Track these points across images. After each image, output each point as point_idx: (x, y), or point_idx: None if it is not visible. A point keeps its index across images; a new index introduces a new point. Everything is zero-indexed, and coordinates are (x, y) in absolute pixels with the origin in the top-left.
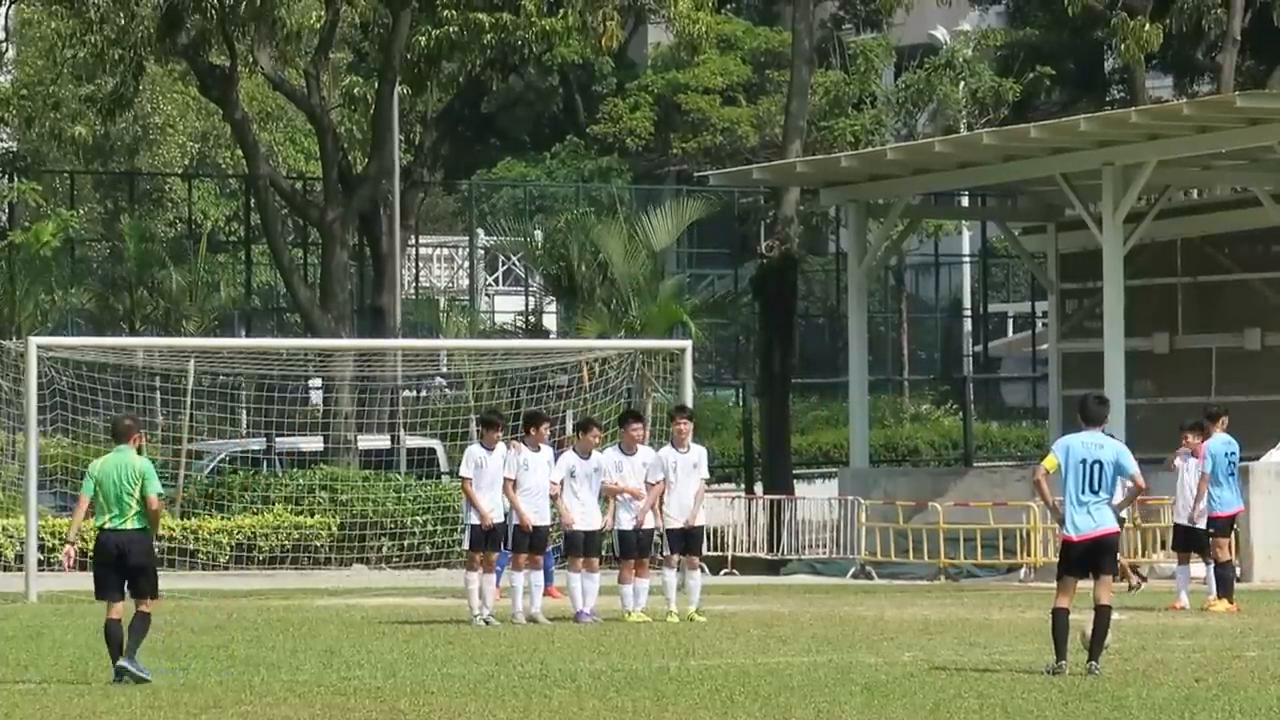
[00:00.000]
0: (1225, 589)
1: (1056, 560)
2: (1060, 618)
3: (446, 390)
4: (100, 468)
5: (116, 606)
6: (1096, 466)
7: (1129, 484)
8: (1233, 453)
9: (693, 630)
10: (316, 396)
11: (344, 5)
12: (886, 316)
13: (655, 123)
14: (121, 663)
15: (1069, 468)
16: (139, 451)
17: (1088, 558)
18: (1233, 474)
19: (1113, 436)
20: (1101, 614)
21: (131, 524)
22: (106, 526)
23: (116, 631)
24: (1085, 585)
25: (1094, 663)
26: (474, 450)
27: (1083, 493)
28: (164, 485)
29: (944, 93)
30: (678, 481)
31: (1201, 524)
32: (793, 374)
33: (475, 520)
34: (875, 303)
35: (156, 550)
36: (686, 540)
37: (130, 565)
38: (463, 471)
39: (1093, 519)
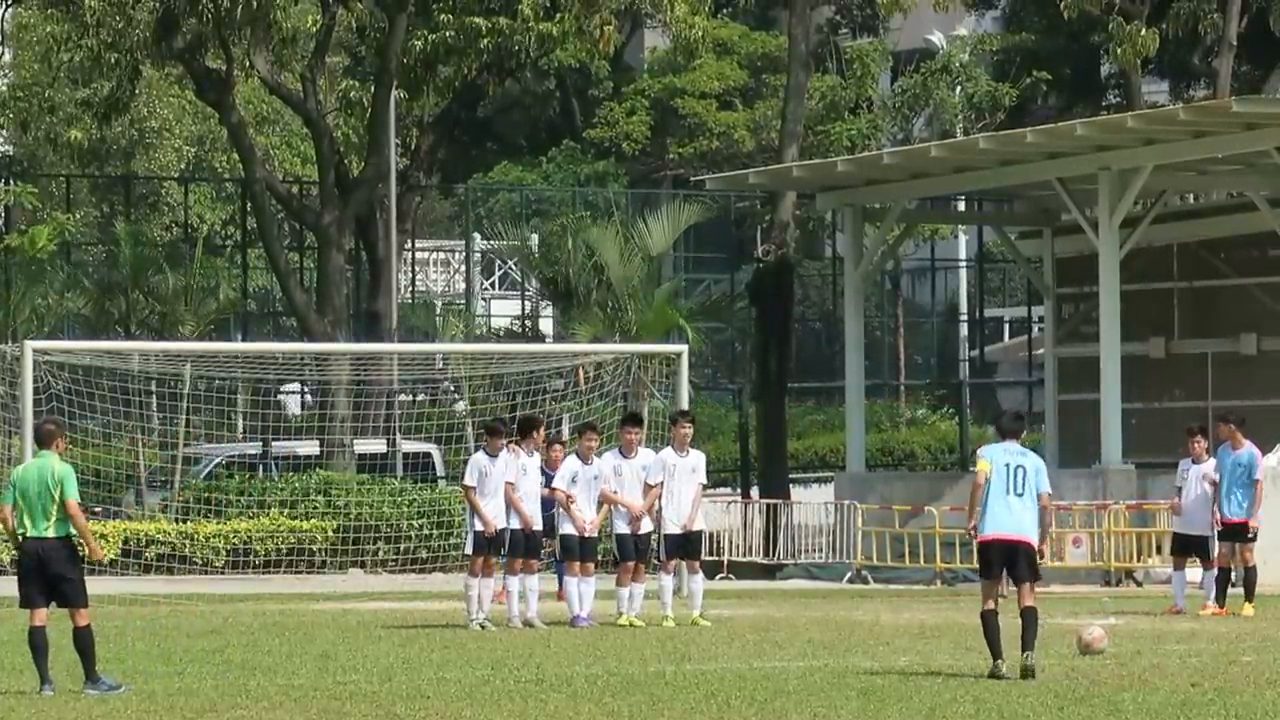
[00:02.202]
0: (1249, 592)
1: (1052, 563)
2: (989, 619)
3: (457, 397)
4: (21, 475)
5: (39, 613)
6: (1020, 470)
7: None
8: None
9: (688, 635)
10: (292, 401)
11: (340, 9)
12: (883, 321)
13: (652, 127)
14: (85, 690)
15: (994, 470)
16: (61, 457)
17: (1005, 559)
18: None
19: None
20: (1028, 614)
21: (52, 531)
22: (28, 534)
23: (41, 639)
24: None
25: (1030, 652)
26: (478, 458)
27: (1007, 492)
28: (161, 488)
29: (940, 97)
30: (676, 486)
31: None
32: (789, 378)
33: (479, 527)
34: (871, 307)
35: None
36: (686, 544)
37: (51, 573)
38: (466, 480)
39: (1014, 519)
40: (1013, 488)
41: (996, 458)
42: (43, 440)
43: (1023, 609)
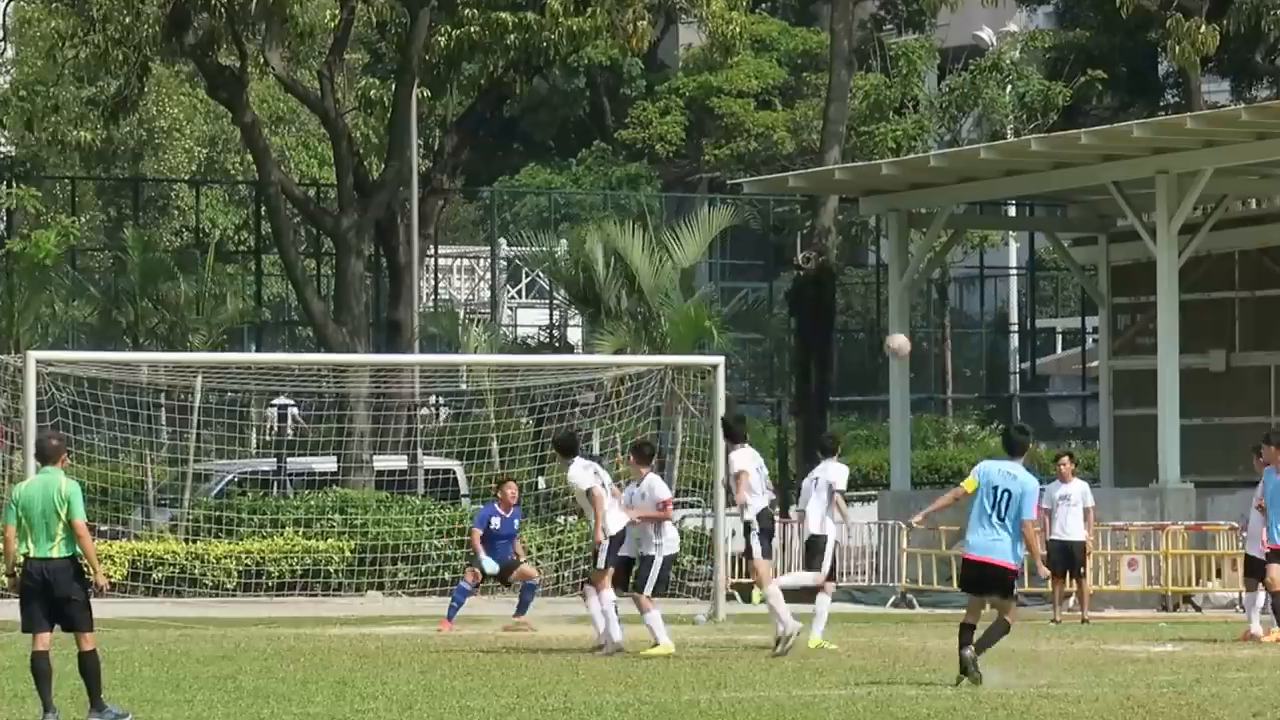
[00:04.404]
0: None
1: (1106, 587)
2: (961, 631)
3: (442, 410)
4: (24, 492)
5: (43, 638)
6: (1006, 495)
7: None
8: None
9: (724, 662)
10: (292, 412)
11: (359, 3)
12: (929, 332)
13: (686, 128)
14: (90, 718)
15: (982, 490)
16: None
17: (980, 580)
18: None
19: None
20: (999, 624)
21: (58, 551)
22: (32, 555)
23: (45, 665)
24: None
25: (971, 650)
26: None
27: (989, 515)
28: (170, 507)
29: (990, 97)
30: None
31: None
32: (830, 392)
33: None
34: (917, 317)
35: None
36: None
37: (57, 595)
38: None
39: (988, 543)
40: (995, 512)
41: (987, 479)
42: (47, 456)
43: (997, 620)
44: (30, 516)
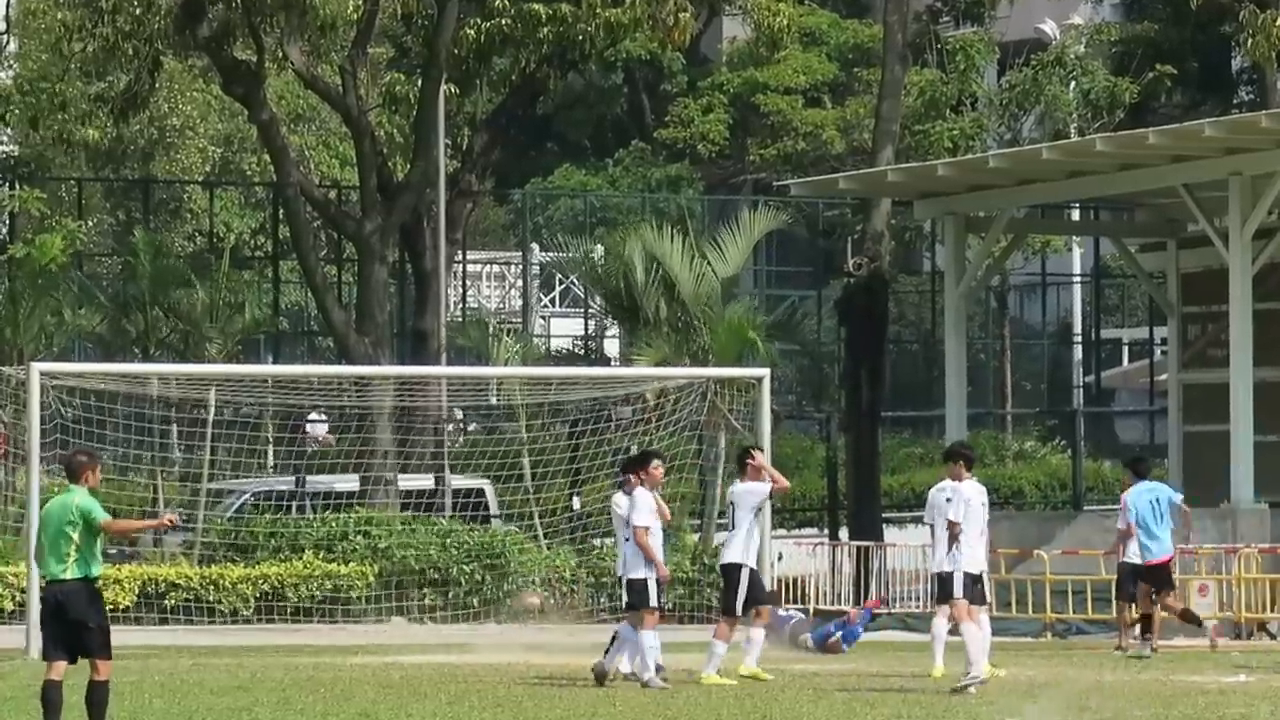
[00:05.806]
0: None
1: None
2: None
3: (470, 425)
4: (45, 512)
5: (57, 666)
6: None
7: None
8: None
9: (770, 693)
10: (317, 430)
11: None
12: (987, 343)
13: (730, 126)
14: None
15: None
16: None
17: None
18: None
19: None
20: None
21: (71, 573)
22: (48, 579)
23: (55, 695)
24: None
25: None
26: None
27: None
28: (183, 528)
29: (1053, 94)
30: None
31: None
32: (882, 406)
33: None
34: (975, 327)
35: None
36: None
37: (70, 619)
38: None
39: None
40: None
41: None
42: (72, 473)
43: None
44: (46, 536)
